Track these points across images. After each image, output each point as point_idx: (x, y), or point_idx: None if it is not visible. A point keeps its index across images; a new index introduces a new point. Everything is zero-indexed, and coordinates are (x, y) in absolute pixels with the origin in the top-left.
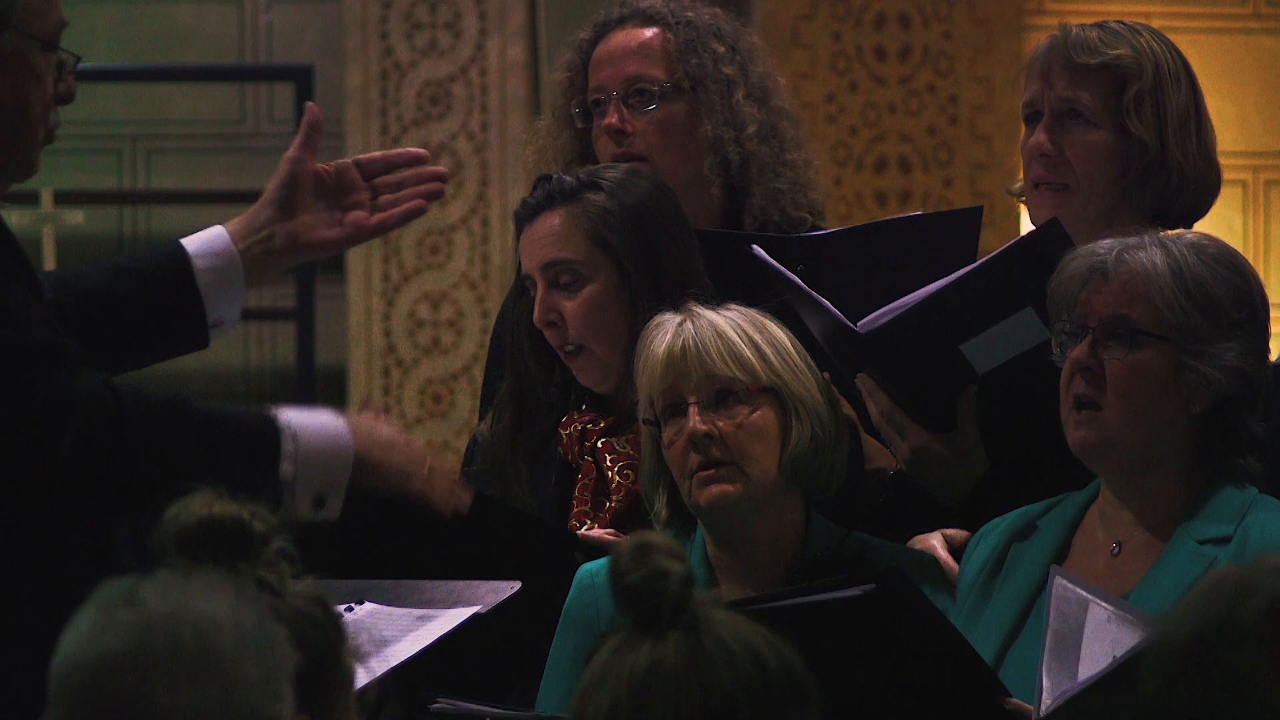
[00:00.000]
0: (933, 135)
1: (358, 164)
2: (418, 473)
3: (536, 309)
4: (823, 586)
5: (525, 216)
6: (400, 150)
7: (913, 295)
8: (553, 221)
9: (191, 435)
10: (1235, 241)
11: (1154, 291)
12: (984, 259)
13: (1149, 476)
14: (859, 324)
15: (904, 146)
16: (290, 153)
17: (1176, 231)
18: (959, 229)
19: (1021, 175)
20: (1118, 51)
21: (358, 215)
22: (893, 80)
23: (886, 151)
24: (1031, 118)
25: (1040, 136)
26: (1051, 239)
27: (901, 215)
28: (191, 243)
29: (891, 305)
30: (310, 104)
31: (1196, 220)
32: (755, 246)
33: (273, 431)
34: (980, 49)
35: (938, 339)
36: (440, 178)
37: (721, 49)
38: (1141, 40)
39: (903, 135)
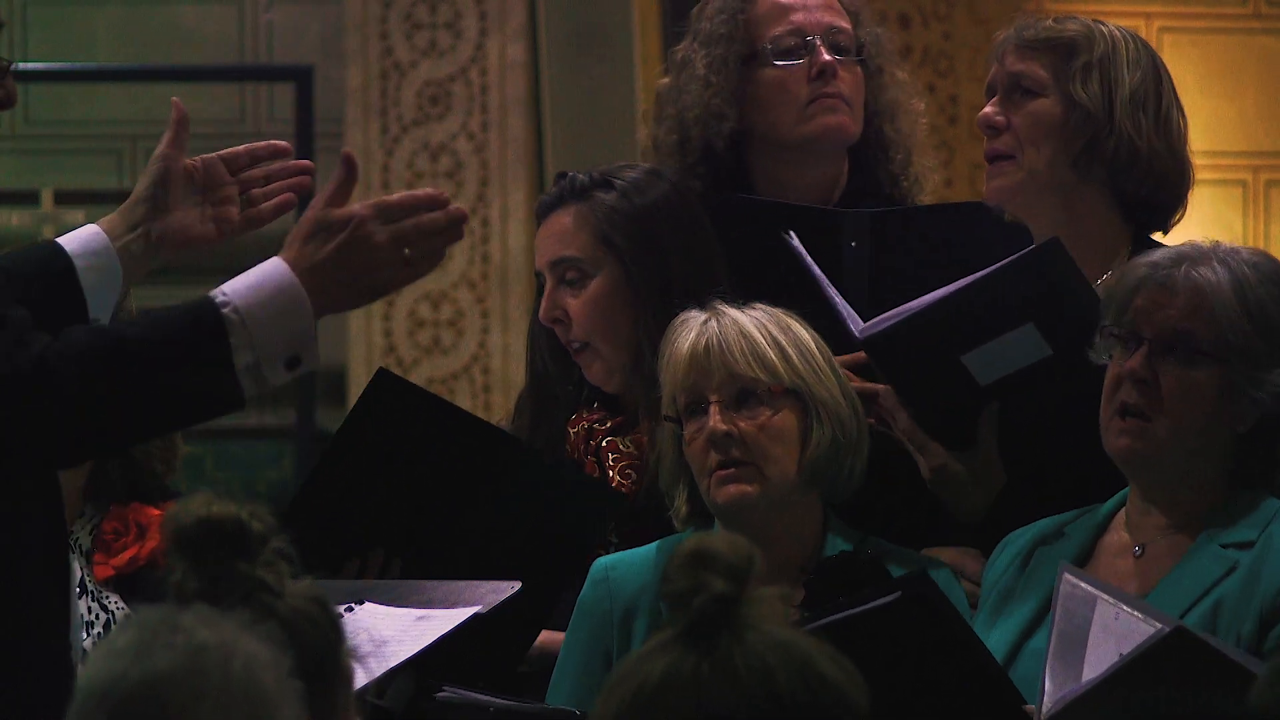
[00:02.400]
0: (933, 135)
1: (223, 159)
2: (386, 275)
3: (543, 305)
4: (850, 602)
5: (541, 214)
6: (263, 144)
7: (915, 302)
8: (563, 219)
9: (133, 372)
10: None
11: (1218, 309)
12: (984, 272)
13: (1184, 487)
14: (860, 328)
15: None
16: (160, 149)
17: (1230, 246)
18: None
19: None
20: (1066, 26)
21: (227, 210)
22: None
23: None
24: (990, 100)
25: (989, 109)
26: (1051, 257)
27: (963, 202)
28: (70, 242)
29: (894, 311)
30: (175, 99)
31: (1171, 213)
32: (791, 234)
33: (218, 328)
34: (980, 49)
35: (938, 348)
36: (307, 171)
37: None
38: (1101, 27)
39: None
